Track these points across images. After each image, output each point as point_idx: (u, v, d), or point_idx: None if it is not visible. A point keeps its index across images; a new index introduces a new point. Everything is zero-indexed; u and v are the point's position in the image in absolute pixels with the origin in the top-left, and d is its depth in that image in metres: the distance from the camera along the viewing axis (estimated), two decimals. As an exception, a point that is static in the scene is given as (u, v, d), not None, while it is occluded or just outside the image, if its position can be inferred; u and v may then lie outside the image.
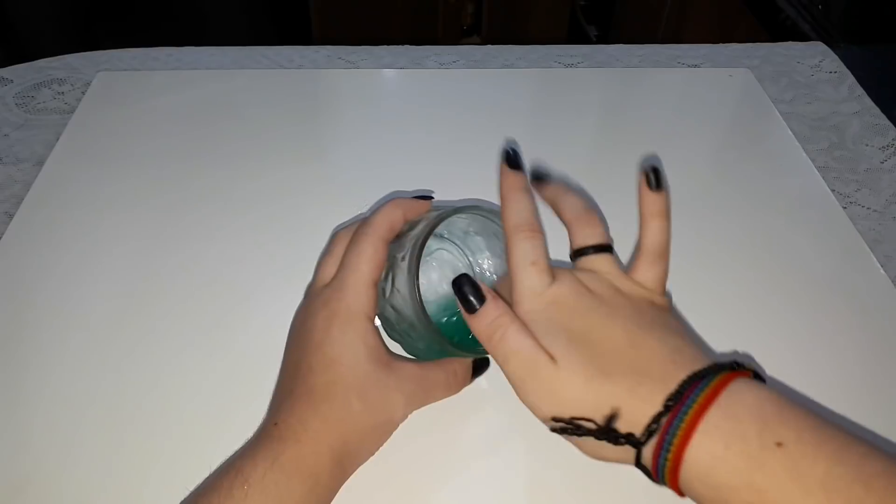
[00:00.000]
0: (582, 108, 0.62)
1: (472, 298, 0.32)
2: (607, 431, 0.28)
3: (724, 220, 0.52)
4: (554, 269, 0.32)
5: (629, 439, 0.28)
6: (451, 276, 0.40)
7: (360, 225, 0.37)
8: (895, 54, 0.75)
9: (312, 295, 0.37)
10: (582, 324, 0.30)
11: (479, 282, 0.32)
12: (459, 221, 0.40)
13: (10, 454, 0.36)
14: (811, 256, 0.49)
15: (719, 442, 0.26)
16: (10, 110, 0.59)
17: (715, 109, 0.62)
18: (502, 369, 0.31)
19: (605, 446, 0.29)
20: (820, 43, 0.72)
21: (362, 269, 0.35)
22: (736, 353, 0.42)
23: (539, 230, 0.32)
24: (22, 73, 0.62)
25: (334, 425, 0.32)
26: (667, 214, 0.33)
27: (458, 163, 0.55)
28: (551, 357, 0.30)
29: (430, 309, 0.38)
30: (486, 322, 0.31)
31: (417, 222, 0.37)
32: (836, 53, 0.70)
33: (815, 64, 0.69)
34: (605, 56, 0.68)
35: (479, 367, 0.39)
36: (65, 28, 1.26)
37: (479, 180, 0.53)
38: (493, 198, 0.49)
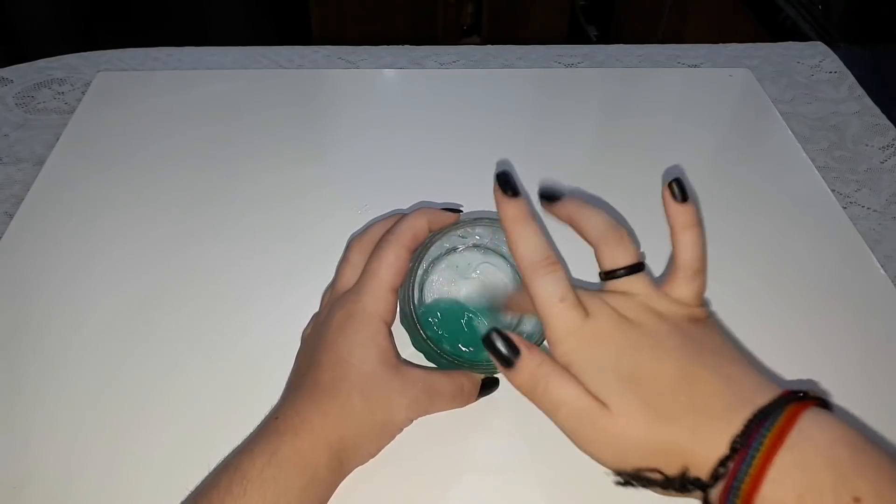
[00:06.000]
0: (582, 108, 0.62)
1: (505, 353, 0.30)
2: (674, 481, 0.27)
3: (724, 220, 0.52)
4: (584, 298, 0.30)
5: (696, 484, 0.27)
6: (491, 289, 0.40)
7: (385, 232, 0.37)
8: (895, 54, 0.75)
9: (332, 300, 0.38)
10: (629, 361, 0.29)
11: (510, 334, 0.31)
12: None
13: (11, 454, 0.36)
14: (811, 256, 0.49)
15: (791, 492, 0.25)
16: (10, 110, 0.59)
17: (715, 109, 0.62)
18: (553, 420, 0.30)
19: (670, 491, 0.28)
20: (820, 43, 0.72)
21: (381, 275, 0.35)
22: (802, 380, 0.41)
23: (557, 261, 0.30)
24: (22, 73, 0.62)
25: (333, 420, 0.33)
26: (698, 224, 0.32)
27: (457, 163, 0.55)
28: (603, 403, 0.28)
29: (457, 323, 0.39)
30: (526, 375, 0.30)
31: (438, 233, 0.38)
32: (836, 53, 0.70)
33: (815, 64, 0.69)
34: (605, 56, 0.68)
35: (488, 385, 0.38)
36: (65, 28, 1.26)
37: (480, 181, 0.53)
38: (491, 198, 0.49)
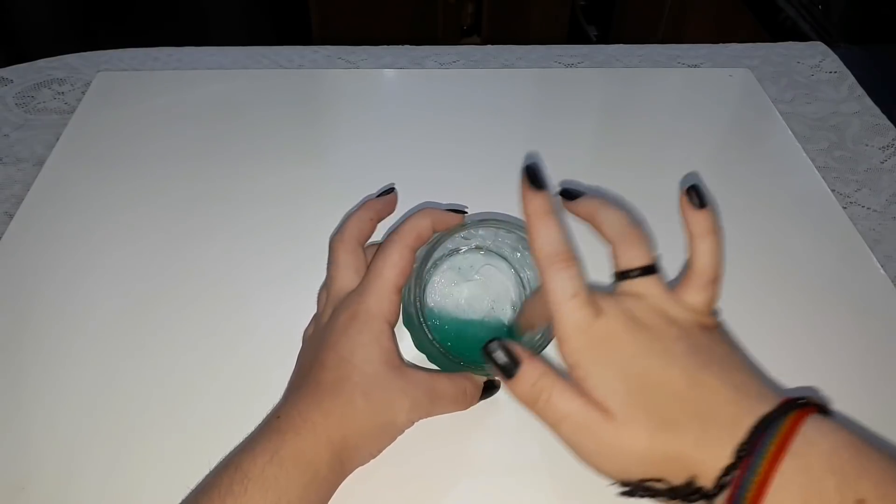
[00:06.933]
0: (582, 108, 0.62)
1: (505, 363, 0.30)
2: (679, 491, 0.27)
3: (724, 220, 0.51)
4: (596, 297, 0.30)
5: (700, 493, 0.27)
6: (493, 291, 0.40)
7: (390, 232, 0.37)
8: (895, 54, 0.75)
9: (332, 302, 0.37)
10: (637, 367, 0.28)
11: (511, 344, 0.30)
12: (508, 237, 0.39)
13: (11, 454, 0.36)
14: (811, 257, 0.49)
15: (796, 497, 0.25)
16: (10, 110, 0.59)
17: (715, 109, 0.62)
18: (554, 433, 0.29)
19: (674, 501, 0.28)
20: (820, 43, 0.72)
21: (386, 275, 0.35)
22: (804, 387, 0.41)
23: (574, 258, 0.30)
24: (22, 73, 0.62)
25: (335, 420, 0.33)
26: (716, 231, 0.32)
27: (457, 163, 0.55)
28: (607, 411, 0.28)
29: (460, 324, 0.39)
30: (527, 386, 0.29)
31: (442, 234, 0.38)
32: (836, 53, 0.70)
33: (815, 64, 0.69)
34: (605, 56, 0.68)
35: (490, 388, 0.38)
36: (65, 28, 1.26)
37: (480, 181, 0.53)
38: (491, 198, 0.49)
